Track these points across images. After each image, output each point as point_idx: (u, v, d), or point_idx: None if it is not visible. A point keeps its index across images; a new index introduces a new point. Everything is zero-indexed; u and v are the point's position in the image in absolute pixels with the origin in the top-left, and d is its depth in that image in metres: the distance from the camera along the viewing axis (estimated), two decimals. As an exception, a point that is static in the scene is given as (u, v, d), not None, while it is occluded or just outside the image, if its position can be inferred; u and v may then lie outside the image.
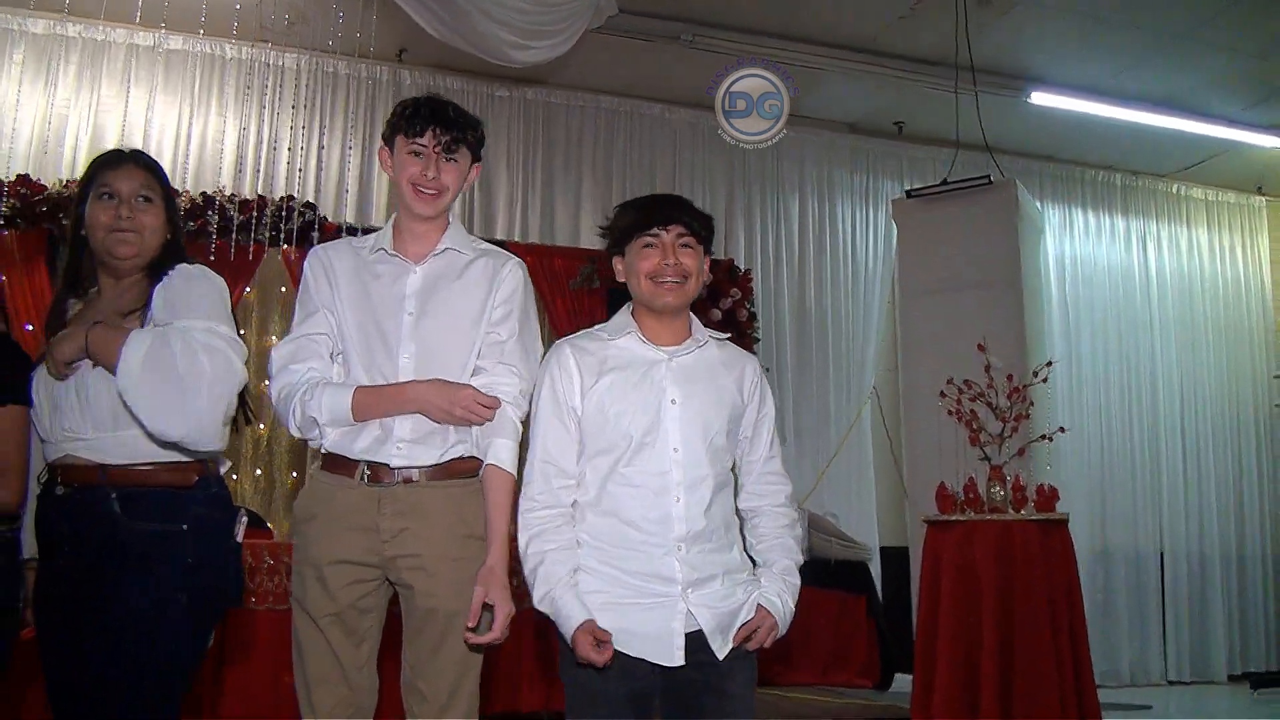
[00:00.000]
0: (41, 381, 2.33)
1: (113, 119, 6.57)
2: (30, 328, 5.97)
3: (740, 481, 2.45)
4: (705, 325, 2.44)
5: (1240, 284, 8.96)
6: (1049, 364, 5.37)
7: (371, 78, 7.07)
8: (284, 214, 6.40)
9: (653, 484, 2.27)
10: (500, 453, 2.36)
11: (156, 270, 2.36)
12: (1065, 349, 7.84)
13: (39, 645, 2.31)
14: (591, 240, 7.32)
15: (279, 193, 6.66)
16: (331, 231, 6.46)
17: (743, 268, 7.41)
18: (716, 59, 6.87)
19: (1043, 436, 5.26)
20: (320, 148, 6.92)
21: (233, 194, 6.42)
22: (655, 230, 2.34)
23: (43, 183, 6.18)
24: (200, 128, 6.77)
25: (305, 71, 6.93)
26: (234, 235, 6.27)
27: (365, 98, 7.04)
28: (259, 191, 6.57)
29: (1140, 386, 8.33)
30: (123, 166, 2.37)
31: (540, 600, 2.23)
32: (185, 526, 2.25)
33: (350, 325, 2.44)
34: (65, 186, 6.19)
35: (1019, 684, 4.66)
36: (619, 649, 2.19)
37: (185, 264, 2.38)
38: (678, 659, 2.20)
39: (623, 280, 2.44)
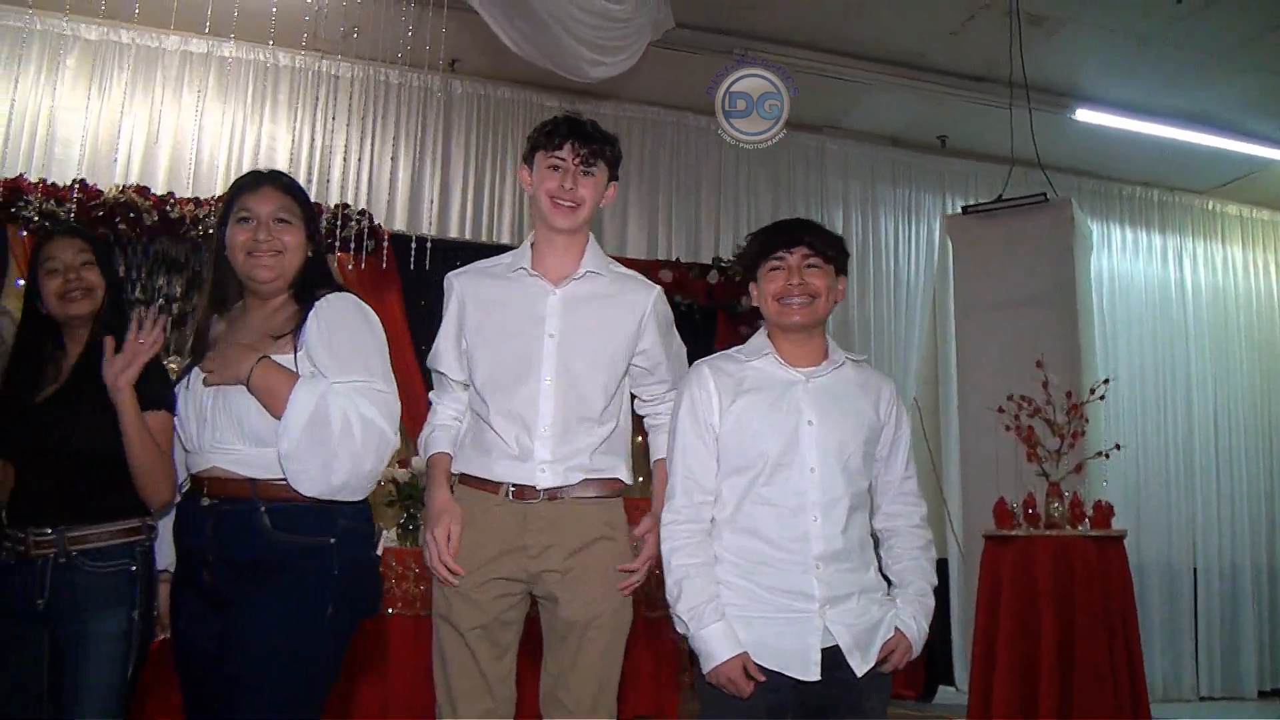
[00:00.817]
0: (186, 393, 2.38)
1: (167, 125, 6.63)
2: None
3: (876, 501, 2.51)
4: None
5: (1274, 300, 9.00)
6: (1105, 381, 5.42)
7: (423, 86, 7.10)
8: (340, 222, 6.45)
9: (790, 503, 2.34)
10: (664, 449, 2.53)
11: (303, 291, 2.40)
12: (1102, 363, 7.88)
13: (175, 653, 2.35)
14: (640, 250, 7.39)
15: (331, 200, 6.72)
16: (386, 238, 6.52)
17: (789, 280, 7.44)
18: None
19: (1100, 453, 5.31)
20: (372, 156, 6.98)
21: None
22: (781, 253, 2.43)
23: (99, 188, 6.23)
24: (254, 135, 6.82)
25: (357, 80, 6.98)
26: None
27: (417, 106, 7.08)
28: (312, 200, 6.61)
29: (1175, 402, 8.37)
30: (261, 189, 2.41)
31: (686, 614, 2.29)
32: (333, 540, 2.28)
33: (484, 350, 2.50)
34: (122, 192, 6.25)
35: (1077, 697, 4.72)
36: (756, 661, 2.26)
37: (338, 292, 2.41)
38: (814, 674, 2.27)
39: (756, 304, 2.51)
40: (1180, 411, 8.41)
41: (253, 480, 2.26)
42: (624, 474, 2.54)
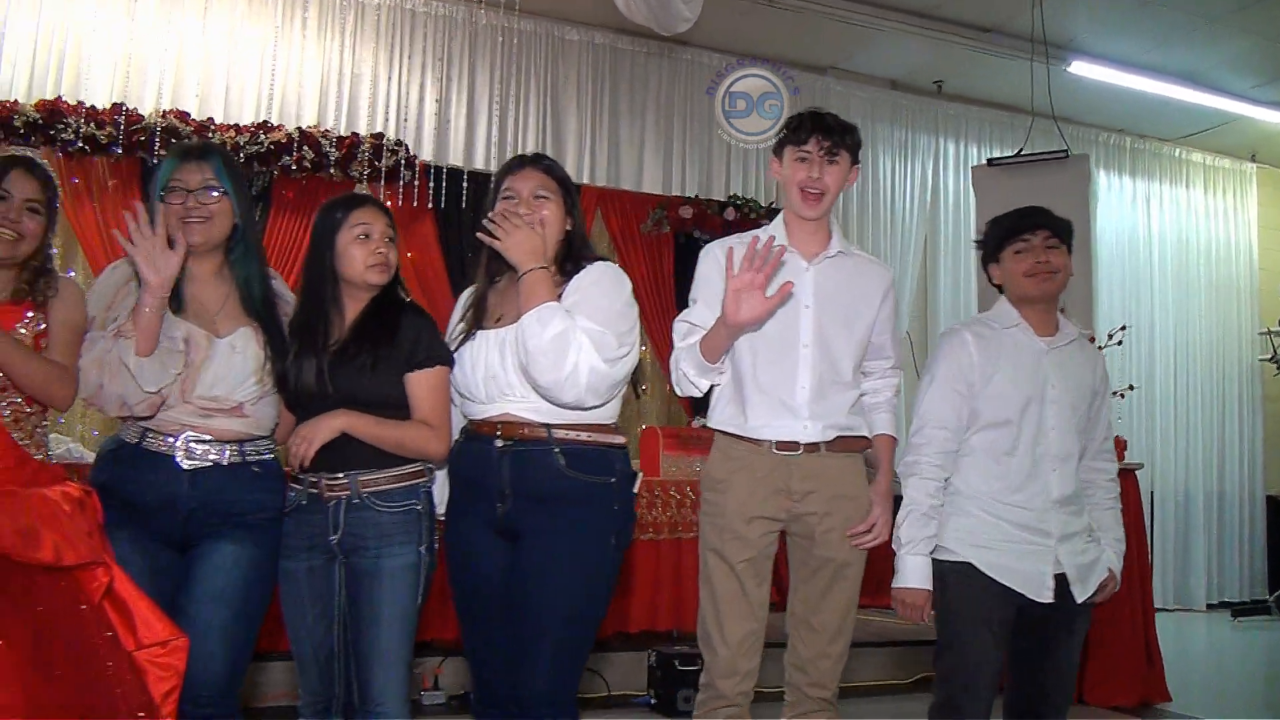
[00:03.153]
0: (472, 350, 2.62)
1: (197, 51, 6.64)
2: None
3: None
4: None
5: (1230, 245, 9.60)
6: (1123, 328, 5.86)
7: (448, 17, 7.21)
8: (375, 152, 6.57)
9: (1034, 456, 2.78)
10: (889, 425, 2.90)
11: (566, 264, 2.64)
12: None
13: (455, 577, 2.64)
14: (655, 185, 7.63)
15: (360, 129, 6.83)
16: (422, 170, 6.66)
17: (798, 217, 7.76)
18: (774, 13, 7.21)
19: (1116, 393, 5.76)
20: (400, 87, 7.08)
21: (326, 130, 6.58)
22: (1026, 236, 2.84)
23: (140, 112, 6.26)
24: (284, 61, 6.85)
25: (384, 8, 7.05)
26: (330, 171, 6.45)
27: (442, 37, 7.18)
28: (324, 125, 6.72)
29: (1138, 340, 8.90)
30: (523, 170, 2.65)
31: (904, 539, 2.77)
32: (613, 480, 2.59)
33: None
34: (163, 117, 6.28)
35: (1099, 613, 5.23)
36: (999, 580, 2.74)
37: (601, 261, 2.66)
38: (1047, 597, 2.74)
39: (999, 283, 2.93)
40: (1143, 349, 8.98)
41: (548, 425, 2.54)
42: (866, 432, 2.88)
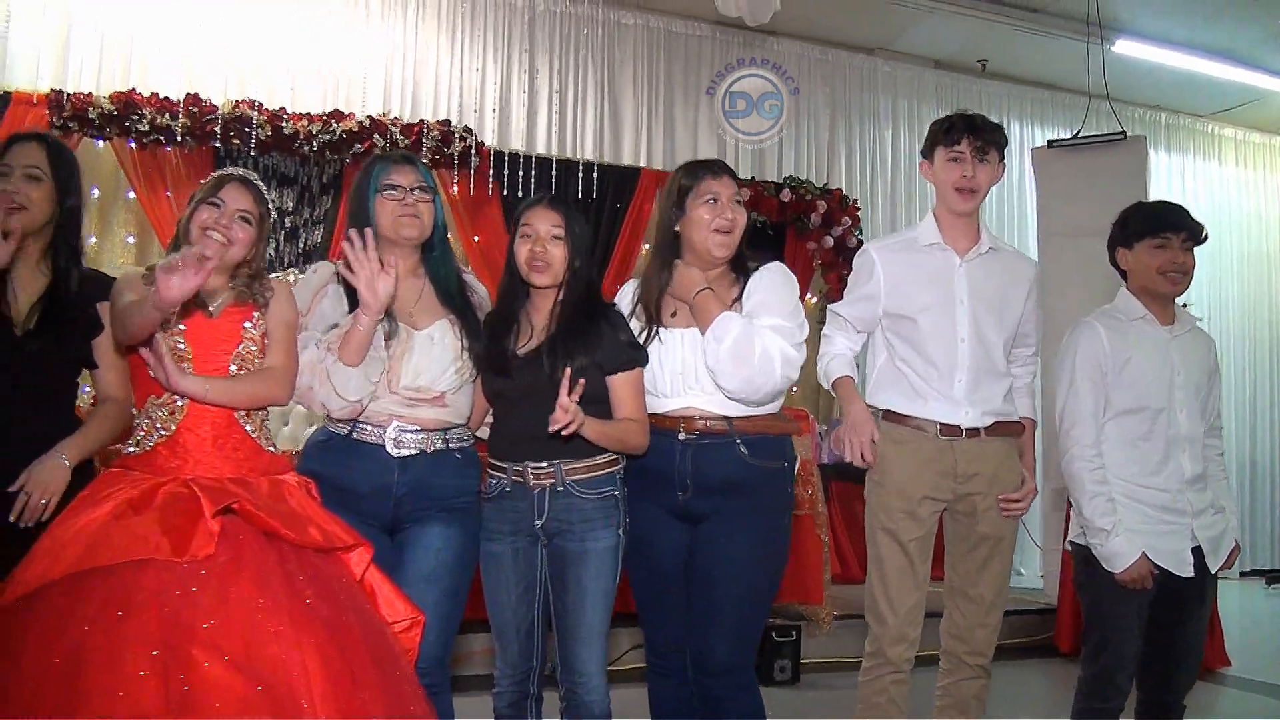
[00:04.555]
0: (660, 346, 2.80)
1: (262, 38, 6.73)
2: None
3: None
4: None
5: (1261, 219, 9.77)
6: (1185, 306, 5.98)
7: (508, 3, 7.30)
8: (443, 139, 6.68)
9: (1168, 439, 2.96)
10: (1029, 409, 3.13)
11: (737, 260, 2.83)
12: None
13: (632, 556, 2.79)
14: (709, 168, 7.72)
15: (422, 114, 6.93)
16: (486, 156, 6.77)
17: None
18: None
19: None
20: (461, 71, 7.18)
21: (395, 118, 6.68)
22: (1168, 234, 3.02)
23: (213, 102, 6.35)
24: (349, 49, 6.95)
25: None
26: (401, 159, 6.55)
27: (502, 23, 7.27)
28: (388, 112, 6.83)
29: (1173, 311, 9.08)
30: (721, 176, 2.82)
31: (1099, 527, 2.94)
32: (785, 464, 2.80)
33: (908, 308, 2.99)
34: (235, 107, 6.37)
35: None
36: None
37: (773, 263, 2.85)
38: (1189, 571, 2.93)
39: (1124, 269, 3.11)
40: (1177, 322, 9.12)
41: (729, 417, 2.74)
42: (1018, 416, 3.08)
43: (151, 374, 2.34)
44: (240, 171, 2.65)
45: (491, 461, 2.80)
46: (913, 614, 2.97)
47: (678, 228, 2.82)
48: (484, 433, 2.92)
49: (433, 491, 2.66)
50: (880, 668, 2.97)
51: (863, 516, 3.11)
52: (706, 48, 7.90)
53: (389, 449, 2.63)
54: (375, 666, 2.15)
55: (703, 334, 2.71)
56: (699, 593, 2.73)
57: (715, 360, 2.67)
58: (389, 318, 2.64)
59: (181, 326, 2.44)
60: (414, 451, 2.65)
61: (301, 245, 6.64)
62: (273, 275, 6.21)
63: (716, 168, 2.84)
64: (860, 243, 7.62)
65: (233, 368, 2.48)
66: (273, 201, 6.42)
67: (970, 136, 2.97)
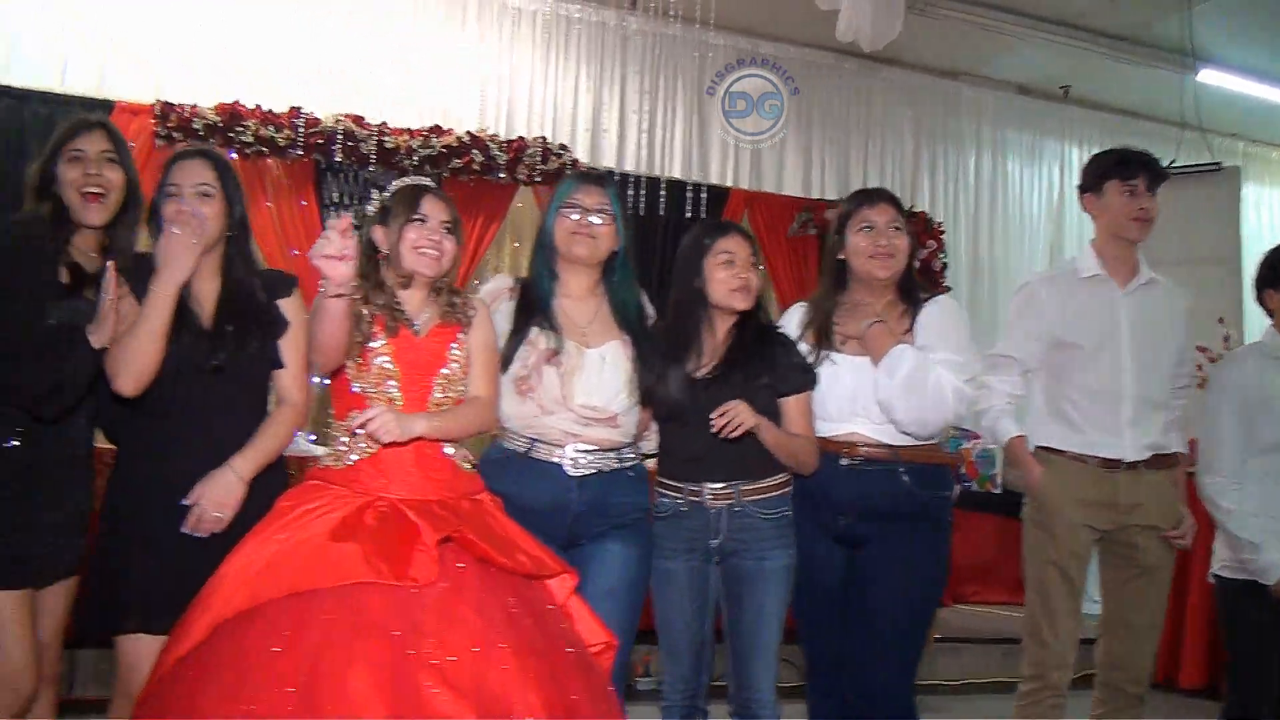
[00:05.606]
0: (832, 370, 2.85)
1: (360, 55, 6.82)
2: (296, 253, 6.27)
3: None
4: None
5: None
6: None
7: (601, 23, 7.38)
8: (540, 156, 6.75)
9: None
10: (1181, 443, 3.20)
11: (907, 290, 2.90)
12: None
13: (797, 594, 2.85)
14: (794, 187, 7.80)
15: (516, 132, 7.00)
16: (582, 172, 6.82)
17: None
18: (910, 19, 7.25)
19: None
20: (555, 90, 7.26)
21: (494, 134, 6.76)
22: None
23: (317, 115, 6.43)
24: (447, 66, 7.02)
25: (540, 15, 7.23)
26: (499, 174, 6.64)
27: (595, 42, 7.36)
28: (483, 126, 6.89)
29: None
30: (877, 204, 2.90)
31: (1258, 544, 3.02)
32: (946, 494, 2.86)
33: (1071, 340, 3.05)
34: (338, 121, 6.46)
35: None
36: None
37: (943, 296, 2.94)
38: None
39: (1272, 308, 3.17)
40: None
41: (893, 446, 2.79)
42: (1178, 449, 3.10)
43: (377, 432, 2.35)
44: (427, 181, 2.71)
45: (665, 481, 2.85)
46: (1072, 638, 3.06)
47: (841, 255, 2.90)
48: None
49: (609, 509, 2.71)
50: (1041, 691, 3.05)
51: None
52: (794, 69, 7.83)
53: (566, 468, 2.67)
54: (588, 695, 2.18)
55: (875, 365, 2.76)
56: (860, 619, 2.79)
57: (888, 393, 2.73)
58: (556, 333, 2.69)
59: (388, 345, 2.48)
60: (590, 471, 2.69)
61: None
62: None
63: (874, 196, 2.93)
64: (945, 266, 7.66)
65: (436, 389, 2.52)
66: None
67: (1146, 173, 3.08)
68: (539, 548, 2.40)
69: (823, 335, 2.89)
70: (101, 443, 2.75)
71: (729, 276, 2.79)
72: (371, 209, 2.67)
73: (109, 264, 2.46)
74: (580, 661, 2.27)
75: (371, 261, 2.57)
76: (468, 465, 2.55)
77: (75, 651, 2.69)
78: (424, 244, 2.52)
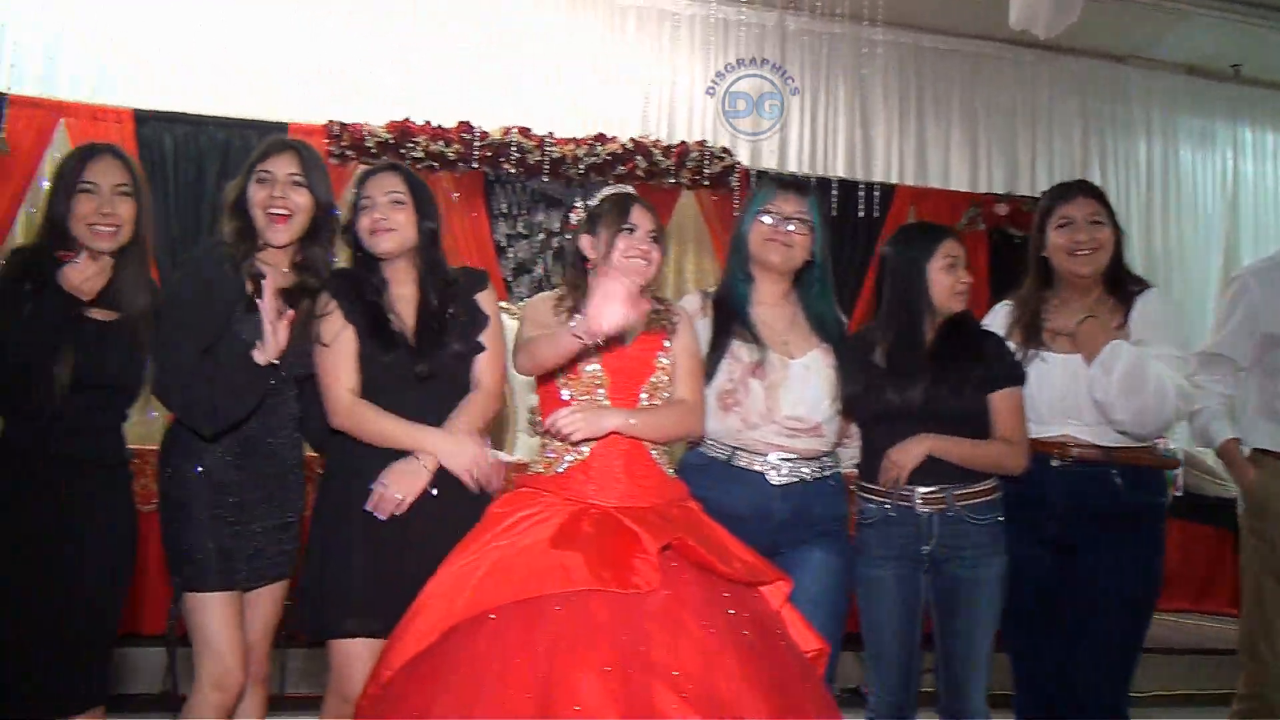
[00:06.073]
0: (1043, 367, 2.79)
1: (532, 64, 6.87)
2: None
3: None
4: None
5: None
6: None
7: (759, 24, 7.32)
8: (703, 160, 6.72)
9: None
10: None
11: (1116, 283, 2.82)
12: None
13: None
14: (961, 182, 7.63)
15: (678, 136, 6.97)
16: (744, 175, 6.78)
17: (1109, 211, 7.67)
18: (1090, 3, 7.09)
19: None
20: (708, 93, 7.22)
21: (656, 140, 6.74)
22: None
23: (485, 129, 6.49)
24: (607, 74, 7.07)
25: (698, 18, 7.20)
26: (667, 179, 6.63)
27: (754, 43, 7.30)
28: (645, 132, 6.88)
29: None
30: (1075, 198, 2.85)
31: None
32: (1162, 500, 2.78)
33: (1278, 335, 2.94)
34: (505, 134, 6.51)
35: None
36: None
37: (1154, 289, 2.85)
38: None
39: None
40: None
41: (1106, 447, 2.73)
42: None
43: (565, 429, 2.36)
44: (632, 190, 2.68)
45: (870, 486, 2.80)
46: None
47: (1044, 253, 2.86)
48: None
49: (811, 518, 2.67)
50: (1257, 712, 2.94)
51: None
52: (955, 62, 7.78)
53: (769, 477, 2.64)
54: (811, 701, 2.15)
55: (1088, 363, 2.68)
56: (1073, 628, 2.74)
57: (1104, 391, 2.65)
58: (758, 345, 2.64)
59: (598, 353, 2.47)
60: (793, 480, 2.65)
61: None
62: (539, 296, 6.39)
63: (1072, 189, 2.88)
64: (1119, 256, 7.40)
65: (643, 397, 2.51)
66: (540, 224, 6.65)
67: None
68: (752, 554, 2.37)
69: (1030, 333, 2.83)
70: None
71: (954, 281, 2.75)
72: (575, 218, 2.68)
73: (264, 283, 2.49)
74: (801, 668, 2.24)
75: (579, 270, 2.57)
76: (671, 471, 2.54)
77: (285, 650, 2.73)
78: (634, 253, 2.51)
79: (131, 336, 2.54)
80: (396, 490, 2.49)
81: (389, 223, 2.60)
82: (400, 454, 2.54)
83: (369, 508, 2.49)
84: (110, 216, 2.52)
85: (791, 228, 2.67)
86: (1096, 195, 2.84)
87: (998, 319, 2.96)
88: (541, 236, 6.75)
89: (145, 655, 4.01)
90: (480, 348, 2.67)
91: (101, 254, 2.54)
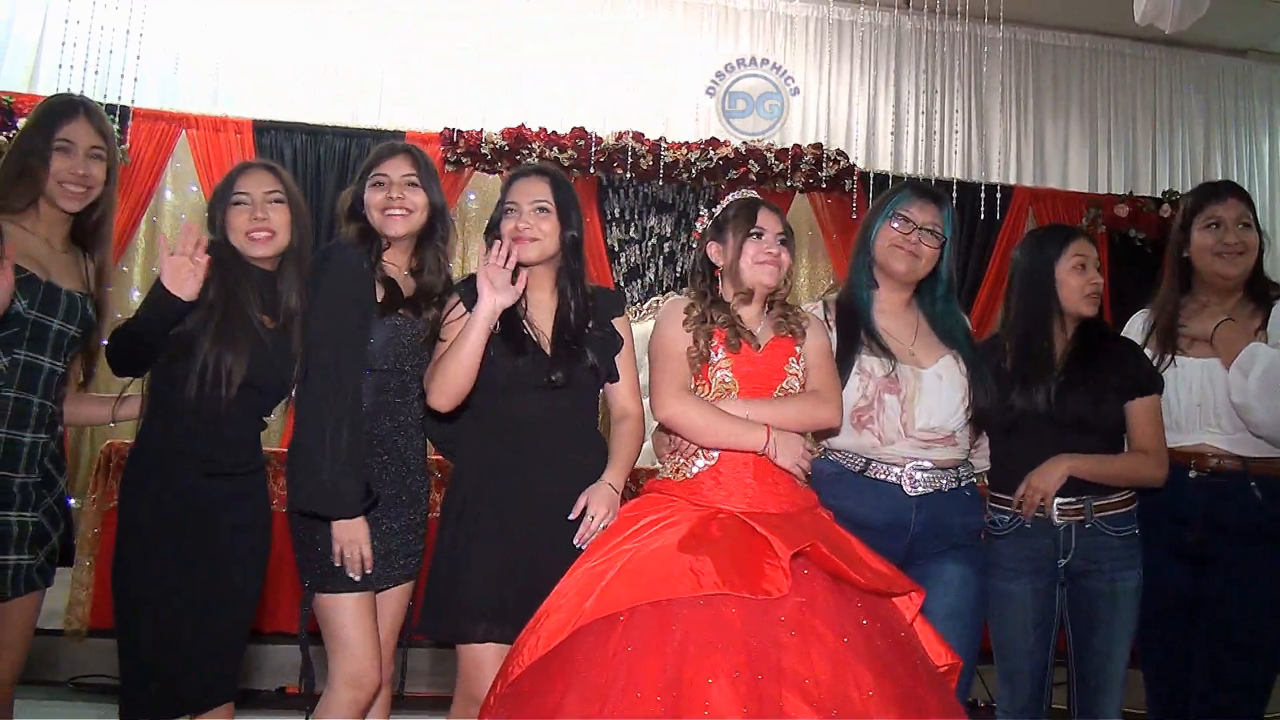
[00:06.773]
0: (1180, 373, 2.74)
1: (645, 70, 6.86)
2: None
3: None
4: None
5: None
6: None
7: (874, 24, 7.23)
8: (816, 162, 6.65)
9: None
10: None
11: (1256, 288, 2.75)
12: None
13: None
14: (1080, 182, 7.46)
15: (791, 139, 6.91)
16: (859, 178, 6.70)
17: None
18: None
19: None
20: (829, 94, 7.16)
21: (769, 144, 6.69)
22: None
23: (599, 134, 6.50)
24: (717, 75, 7.02)
25: (812, 20, 7.14)
26: (786, 183, 6.58)
27: (868, 44, 7.22)
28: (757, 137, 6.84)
29: None
30: (1226, 198, 2.76)
31: None
32: None
33: None
34: (618, 139, 6.51)
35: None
36: None
37: None
38: None
39: None
40: None
41: (1244, 458, 2.65)
42: None
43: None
44: (753, 193, 2.63)
45: (1002, 497, 2.73)
46: None
47: (1186, 254, 2.78)
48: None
49: (947, 530, 2.59)
50: None
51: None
52: (1075, 59, 7.62)
53: (905, 488, 2.56)
54: (943, 717, 2.09)
55: (1226, 367, 2.62)
56: (1209, 643, 2.66)
57: (1242, 393, 2.58)
58: (888, 357, 2.57)
59: (728, 359, 2.44)
60: (929, 490, 2.57)
61: (678, 269, 6.71)
62: (652, 300, 6.41)
63: (1221, 190, 2.78)
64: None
65: None
66: (651, 229, 6.63)
67: None
68: (886, 564, 2.31)
69: (1167, 338, 2.76)
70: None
71: (1083, 283, 2.69)
72: (701, 225, 2.63)
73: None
74: (935, 682, 2.17)
75: (707, 277, 2.54)
76: (802, 481, 2.47)
77: (407, 650, 2.74)
78: (764, 257, 2.47)
79: (289, 341, 2.56)
80: (603, 519, 2.47)
81: (533, 231, 2.55)
82: (539, 472, 2.53)
83: (578, 542, 2.45)
84: (264, 222, 2.55)
85: (922, 238, 2.61)
86: (1245, 198, 2.77)
87: (1134, 328, 2.90)
88: (653, 241, 6.74)
89: (266, 653, 4.10)
90: (616, 375, 2.65)
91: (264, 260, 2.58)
